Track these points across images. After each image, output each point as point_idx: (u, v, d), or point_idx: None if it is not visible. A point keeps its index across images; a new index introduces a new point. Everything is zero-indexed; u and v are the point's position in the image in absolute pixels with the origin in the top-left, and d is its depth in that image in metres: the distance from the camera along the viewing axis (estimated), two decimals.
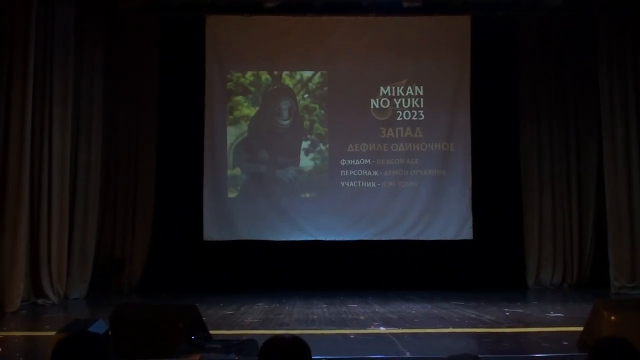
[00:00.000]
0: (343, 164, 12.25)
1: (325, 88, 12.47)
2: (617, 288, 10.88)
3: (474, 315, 8.06)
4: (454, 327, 7.04)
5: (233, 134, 12.32)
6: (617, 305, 5.19)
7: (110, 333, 4.30)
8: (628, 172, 11.44)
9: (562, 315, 8.13)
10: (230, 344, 3.67)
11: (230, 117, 12.36)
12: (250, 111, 12.42)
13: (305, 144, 12.39)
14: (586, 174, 12.42)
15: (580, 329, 5.03)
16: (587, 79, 12.22)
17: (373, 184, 12.22)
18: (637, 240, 11.20)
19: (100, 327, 4.22)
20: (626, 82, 11.61)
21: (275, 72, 12.50)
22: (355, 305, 9.30)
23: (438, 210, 12.17)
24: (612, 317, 4.71)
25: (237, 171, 12.28)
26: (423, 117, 12.36)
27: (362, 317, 7.95)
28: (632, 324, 4.69)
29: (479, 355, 2.15)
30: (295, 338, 2.12)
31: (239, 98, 12.43)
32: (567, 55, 12.38)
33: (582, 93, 12.38)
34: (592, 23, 12.06)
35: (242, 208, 12.10)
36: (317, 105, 12.48)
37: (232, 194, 12.20)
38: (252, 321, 7.64)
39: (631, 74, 11.56)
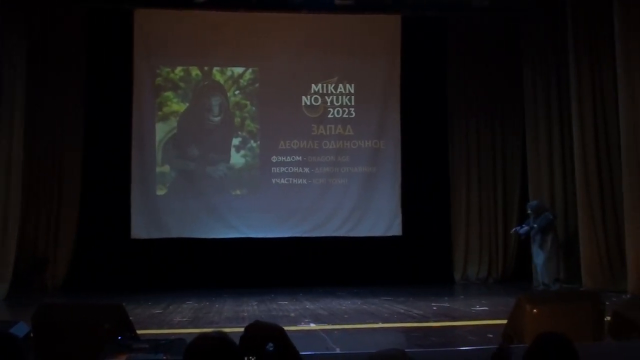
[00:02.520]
0: (274, 161, 12.22)
1: (257, 85, 12.42)
2: (539, 282, 11.20)
3: (402, 310, 8.16)
4: (383, 322, 7.12)
5: (162, 130, 12.13)
6: (539, 298, 5.34)
7: (32, 335, 4.17)
8: (550, 171, 11.83)
9: (487, 308, 8.32)
10: (158, 344, 3.61)
11: (160, 113, 12.17)
12: (180, 107, 12.25)
13: (236, 141, 12.31)
14: (511, 172, 12.77)
15: (505, 321, 5.16)
16: (513, 79, 12.55)
17: (304, 181, 12.24)
18: (558, 236, 11.56)
19: (21, 329, 4.08)
20: (548, 83, 11.99)
21: (206, 68, 12.37)
22: (286, 302, 9.30)
23: (368, 207, 12.29)
24: (535, 310, 4.84)
25: (166, 168, 12.10)
26: (354, 114, 12.45)
27: (292, 314, 7.96)
28: (554, 316, 4.84)
29: (407, 350, 2.17)
30: (221, 336, 2.10)
31: (169, 94, 12.25)
32: (494, 56, 12.68)
33: (508, 93, 12.71)
34: (516, 25, 12.40)
35: (171, 205, 11.94)
36: (248, 102, 12.41)
37: (160, 191, 12.02)
38: (181, 320, 7.55)
39: (553, 75, 11.94)
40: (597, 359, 3.86)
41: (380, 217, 12.31)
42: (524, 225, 11.15)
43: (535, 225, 10.67)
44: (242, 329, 2.27)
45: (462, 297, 10.07)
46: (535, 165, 11.96)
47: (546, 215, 10.75)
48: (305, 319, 7.47)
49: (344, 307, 8.64)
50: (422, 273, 12.01)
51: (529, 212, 10.97)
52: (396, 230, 12.28)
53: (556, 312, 4.93)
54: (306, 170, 12.24)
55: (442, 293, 10.31)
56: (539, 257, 10.72)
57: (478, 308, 8.39)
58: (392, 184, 12.36)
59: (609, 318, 5.09)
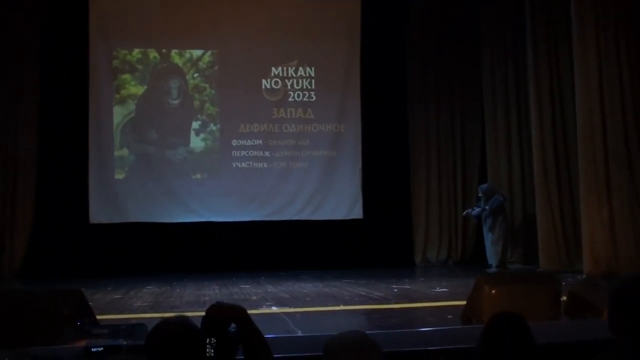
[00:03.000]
0: (234, 145, 12.17)
1: (216, 67, 12.32)
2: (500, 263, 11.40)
3: (364, 293, 8.23)
4: (344, 305, 7.17)
5: (120, 114, 11.97)
6: (497, 279, 5.43)
7: None
8: (509, 155, 12.00)
9: (447, 290, 8.44)
10: (118, 329, 3.59)
11: (117, 96, 12.00)
12: (138, 90, 12.10)
13: (195, 124, 12.21)
14: (471, 157, 12.93)
15: (464, 303, 5.24)
16: (473, 64, 12.66)
17: (265, 165, 12.21)
18: (516, 218, 11.78)
19: None
20: (507, 68, 12.12)
21: (164, 50, 12.22)
22: (248, 286, 9.31)
23: (329, 191, 12.32)
24: (493, 291, 4.93)
25: (125, 152, 11.96)
26: (314, 98, 12.44)
27: (254, 298, 7.97)
28: (511, 296, 4.94)
29: (368, 332, 2.20)
30: (183, 320, 2.10)
31: (126, 76, 12.08)
32: (454, 40, 12.76)
33: (468, 77, 12.83)
34: (476, 9, 12.49)
35: (131, 190, 11.82)
36: (207, 85, 12.31)
37: (119, 175, 11.89)
38: (142, 305, 7.51)
39: (511, 61, 12.07)
40: (553, 338, 3.95)
41: (341, 201, 12.36)
42: (475, 207, 11.34)
43: (486, 208, 10.86)
44: (204, 313, 2.27)
45: (422, 279, 10.20)
46: (494, 149, 12.12)
47: (497, 197, 10.94)
48: (267, 302, 7.49)
49: (305, 290, 8.68)
50: (383, 256, 12.11)
51: (480, 194, 11.15)
52: (357, 213, 12.35)
53: (514, 292, 5.03)
54: (267, 154, 12.21)
55: (403, 275, 10.41)
56: (487, 239, 10.94)
57: (438, 290, 8.51)
58: (353, 167, 12.41)
59: (564, 298, 5.21)
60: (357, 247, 12.19)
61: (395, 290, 8.52)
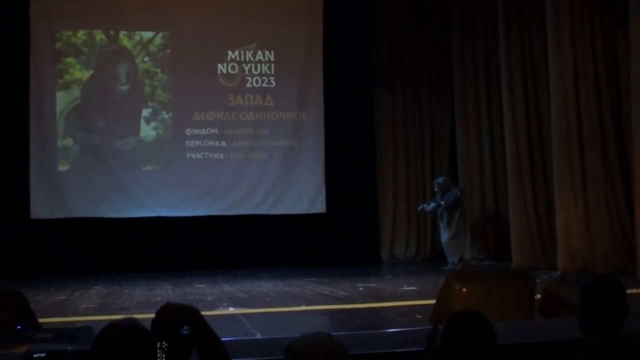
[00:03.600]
0: (188, 134, 12.08)
1: (168, 51, 12.20)
2: (468, 260, 11.52)
3: (327, 292, 8.25)
4: (307, 305, 7.18)
5: (64, 100, 11.80)
6: (468, 276, 5.49)
7: None
8: (480, 145, 12.12)
9: (415, 288, 8.50)
10: (62, 333, 3.54)
11: (60, 81, 11.82)
12: (83, 75, 11.93)
13: (145, 112, 12.09)
14: (440, 147, 13.01)
15: (433, 301, 5.28)
16: (442, 49, 12.74)
17: (221, 156, 12.16)
18: (487, 212, 11.92)
19: None
20: (477, 53, 12.22)
21: (112, 32, 12.06)
22: (203, 286, 9.27)
23: (290, 183, 12.31)
24: (464, 289, 4.98)
25: (69, 141, 11.79)
26: (274, 84, 12.40)
27: (209, 298, 7.94)
28: (483, 294, 4.99)
29: (333, 333, 2.20)
30: (132, 322, 2.07)
31: (70, 60, 11.90)
32: (422, 23, 12.83)
33: (437, 63, 12.90)
34: None
35: (75, 182, 11.66)
36: (158, 70, 12.19)
37: (63, 167, 11.72)
38: (88, 307, 7.44)
39: (482, 45, 12.18)
40: (526, 338, 4.00)
41: (303, 194, 12.36)
42: (431, 202, 11.39)
43: (442, 203, 10.94)
44: (154, 315, 2.24)
45: (389, 276, 10.26)
46: (464, 140, 12.22)
47: (453, 191, 11.01)
48: (223, 302, 7.47)
49: (264, 290, 8.67)
50: (347, 252, 12.14)
51: (435, 189, 11.19)
52: (320, 207, 12.37)
53: (485, 290, 5.09)
54: (223, 143, 12.15)
55: (369, 273, 10.47)
56: (444, 236, 11.01)
57: (406, 288, 8.56)
58: (315, 158, 12.42)
59: (539, 296, 5.28)
60: (319, 244, 12.20)
61: (361, 289, 8.55)
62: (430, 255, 12.68)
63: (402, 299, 7.55)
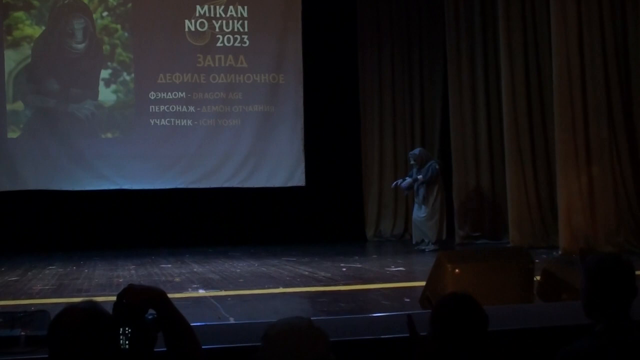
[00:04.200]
0: (152, 98, 12.01)
1: (129, 5, 12.09)
2: (461, 238, 11.60)
3: (307, 273, 8.28)
4: (284, 287, 7.21)
5: (13, 60, 11.68)
6: (460, 256, 5.52)
7: None
8: (474, 110, 12.08)
9: (403, 269, 8.54)
10: (14, 317, 3.53)
11: (9, 38, 11.69)
12: (35, 31, 11.80)
13: (105, 73, 12.00)
14: (430, 114, 13.02)
15: (423, 284, 5.31)
16: (434, 5, 12.70)
17: (189, 122, 12.11)
18: (483, 185, 11.94)
19: None
20: (472, 11, 12.15)
21: None
22: (170, 266, 9.27)
23: (266, 153, 12.29)
24: (456, 270, 5.01)
25: (19, 105, 11.70)
26: (247, 43, 12.33)
27: (177, 279, 7.95)
28: (477, 276, 5.03)
29: (313, 318, 2.21)
30: (92, 305, 2.07)
31: (20, 14, 11.76)
32: None
33: (428, 19, 12.88)
34: None
35: (27, 151, 11.59)
36: (119, 26, 12.08)
37: (13, 134, 11.63)
38: (43, 288, 7.42)
39: (478, 3, 12.10)
40: (525, 323, 4.05)
41: (280, 165, 12.35)
42: (406, 177, 11.14)
43: (419, 177, 10.70)
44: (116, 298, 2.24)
45: (375, 256, 10.30)
46: (458, 105, 12.16)
47: (432, 165, 10.77)
48: (192, 284, 7.47)
49: (238, 270, 8.69)
50: (329, 230, 12.18)
51: (411, 162, 10.94)
52: (299, 180, 12.37)
53: (480, 271, 5.12)
54: (191, 109, 12.10)
55: (353, 252, 10.51)
56: (420, 212, 10.78)
57: (393, 269, 8.60)
58: (294, 125, 12.39)
59: (538, 278, 5.33)
60: (298, 220, 12.23)
61: (344, 269, 8.59)
62: None
63: (389, 280, 7.58)
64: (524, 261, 5.26)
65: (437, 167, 10.78)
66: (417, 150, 11.09)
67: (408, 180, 10.86)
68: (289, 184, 12.36)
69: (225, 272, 8.52)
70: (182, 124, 12.10)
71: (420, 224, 10.74)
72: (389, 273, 8.27)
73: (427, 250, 10.40)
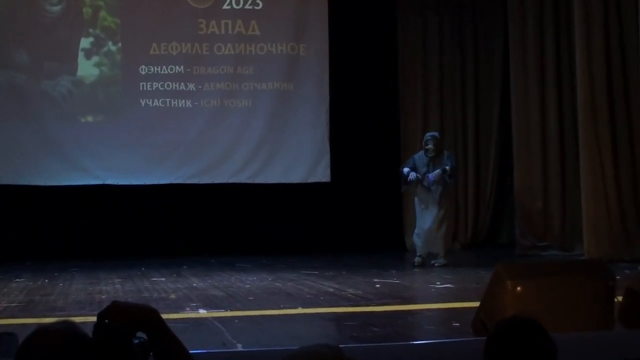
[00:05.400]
0: (143, 73, 12.07)
1: None
2: (524, 248, 11.55)
3: (332, 290, 8.28)
4: (304, 307, 7.20)
5: None
6: (524, 271, 5.48)
7: None
8: (541, 91, 11.98)
9: (452, 286, 8.51)
10: None
11: None
12: None
13: (85, 42, 12.07)
14: (487, 95, 13.04)
15: (476, 304, 5.29)
16: None
17: (188, 103, 12.15)
18: (551, 184, 11.86)
19: None
20: None
21: None
22: (163, 279, 9.32)
23: (282, 142, 12.31)
24: (518, 287, 4.98)
25: None
26: (261, 5, 12.36)
27: (172, 296, 7.98)
28: (544, 295, 4.99)
29: (340, 345, 2.20)
30: (68, 327, 2.07)
31: None
32: None
33: None
34: None
35: None
36: None
37: None
38: (9, 306, 7.47)
39: None
40: (603, 354, 4.01)
41: (300, 157, 12.37)
42: (404, 167, 10.68)
43: (447, 168, 10.44)
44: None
45: (416, 270, 10.28)
46: (521, 84, 12.09)
47: (450, 154, 10.60)
48: (191, 302, 7.50)
49: (247, 286, 8.71)
50: (359, 237, 12.19)
51: (429, 146, 10.56)
52: (323, 175, 12.38)
53: (547, 289, 5.09)
54: (191, 86, 12.14)
55: (389, 264, 10.51)
56: (428, 216, 10.46)
57: (439, 285, 8.58)
58: (317, 108, 12.40)
59: (620, 298, 5.28)
60: (322, 225, 12.24)
61: (378, 286, 8.58)
62: (472, 241, 12.72)
63: (434, 300, 7.58)
64: (602, 277, 5.22)
65: (454, 157, 10.84)
66: (437, 134, 10.87)
67: (437, 171, 10.53)
68: (311, 180, 12.37)
69: (231, 288, 8.54)
70: (180, 105, 12.16)
71: (430, 234, 10.42)
72: (434, 291, 8.26)
73: (437, 265, 10.32)
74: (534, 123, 11.97)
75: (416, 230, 10.70)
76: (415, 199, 10.70)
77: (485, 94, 13.00)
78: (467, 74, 12.97)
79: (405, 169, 10.56)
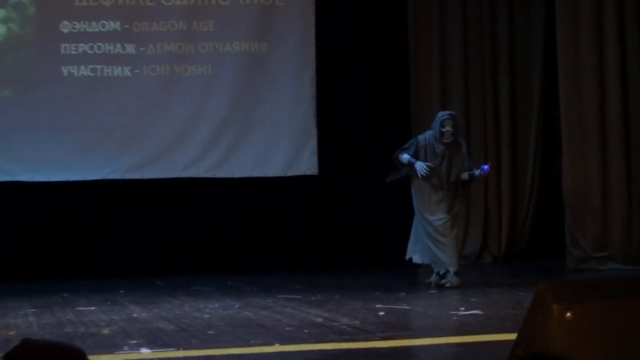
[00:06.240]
0: (66, 32, 12.07)
1: None
2: (577, 261, 11.59)
3: (320, 320, 8.29)
4: (282, 344, 7.21)
5: None
6: (576, 290, 5.47)
7: None
8: (598, 60, 12.01)
9: (480, 312, 8.52)
10: None
11: None
12: None
13: None
14: (524, 71, 13.14)
15: (513, 336, 5.28)
16: None
17: (126, 72, 12.18)
18: (611, 181, 11.89)
19: None
20: None
21: None
22: (93, 308, 9.31)
23: (252, 122, 12.33)
24: (568, 314, 4.97)
25: None
26: None
27: (106, 331, 7.96)
28: (601, 322, 4.99)
29: None
30: None
31: None
32: None
33: None
34: None
35: None
36: None
37: None
38: None
39: None
40: None
41: (277, 142, 12.41)
42: (404, 153, 10.62)
43: (486, 165, 10.39)
44: None
45: (433, 291, 10.29)
46: (571, 58, 12.11)
47: (464, 142, 10.61)
48: (131, 339, 7.49)
49: (206, 316, 8.71)
50: (357, 248, 12.20)
51: (448, 129, 10.27)
52: (307, 166, 12.42)
53: (608, 316, 5.09)
54: (130, 49, 12.16)
55: (396, 285, 10.53)
56: (443, 222, 10.38)
57: (463, 312, 8.60)
58: (299, 76, 12.46)
59: None
60: (306, 232, 12.25)
61: (382, 313, 8.59)
62: (507, 252, 12.76)
63: (458, 331, 7.59)
64: None
65: None
66: (455, 114, 10.73)
67: (486, 169, 10.46)
68: (292, 173, 12.42)
69: (184, 319, 8.53)
70: (116, 74, 12.20)
71: (446, 245, 10.33)
72: (457, 319, 8.28)
73: (448, 285, 10.27)
74: (588, 104, 11.98)
75: (427, 242, 10.55)
76: (418, 199, 10.54)
77: (523, 66, 13.02)
78: (498, 38, 13.01)
79: (405, 156, 10.35)
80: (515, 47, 13.10)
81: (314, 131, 12.40)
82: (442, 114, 10.60)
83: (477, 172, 10.40)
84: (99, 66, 12.15)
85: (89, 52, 12.11)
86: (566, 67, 12.00)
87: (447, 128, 10.28)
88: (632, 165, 11.73)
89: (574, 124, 11.90)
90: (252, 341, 7.35)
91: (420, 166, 10.18)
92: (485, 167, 10.44)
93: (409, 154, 10.31)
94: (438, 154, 10.28)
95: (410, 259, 10.72)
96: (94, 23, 12.10)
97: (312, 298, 9.63)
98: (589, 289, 5.88)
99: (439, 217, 10.32)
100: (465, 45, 12.94)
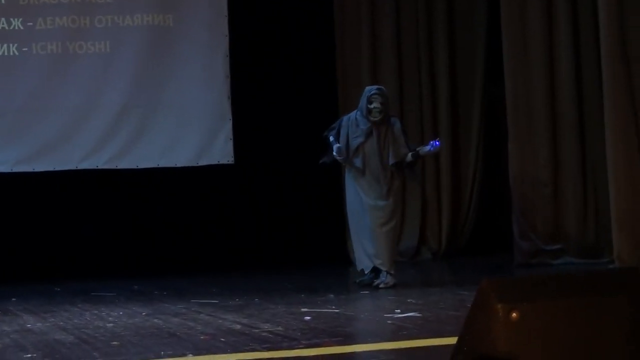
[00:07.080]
0: None
1: None
2: (526, 255, 11.73)
3: (238, 327, 8.33)
4: (196, 354, 7.24)
5: None
6: (523, 288, 5.57)
7: None
8: (547, 35, 12.12)
9: (418, 315, 8.60)
10: None
11: None
12: None
13: None
14: (467, 42, 13.40)
15: (454, 340, 5.35)
16: None
17: (13, 50, 12.15)
18: (563, 165, 12.01)
19: None
20: None
21: None
22: None
23: (157, 105, 12.34)
24: (514, 314, 5.06)
25: None
26: None
27: None
28: (551, 323, 5.09)
29: None
30: None
31: None
32: None
33: None
34: None
35: None
36: None
37: None
38: None
39: None
40: None
41: (186, 128, 12.42)
42: (330, 136, 10.63)
43: (437, 141, 10.42)
44: None
45: (365, 291, 10.37)
46: (516, 28, 12.21)
47: (397, 120, 10.56)
48: (25, 353, 7.49)
49: (109, 325, 8.71)
50: (280, 244, 12.25)
51: (376, 105, 10.24)
52: (221, 154, 12.47)
53: (559, 316, 5.19)
54: (16, 23, 12.13)
55: (325, 286, 10.64)
56: (379, 211, 10.49)
57: (399, 315, 8.68)
58: (211, 53, 12.53)
59: None
60: (222, 228, 12.28)
61: (308, 318, 8.65)
62: (448, 248, 12.90)
63: (392, 337, 7.66)
64: (638, 293, 5.34)
65: None
66: (384, 88, 10.72)
67: (437, 144, 10.40)
68: (204, 162, 12.46)
69: (85, 330, 8.53)
70: (0, 52, 12.13)
71: (381, 237, 10.36)
72: (392, 323, 8.35)
73: (382, 285, 10.33)
74: (538, 82, 12.09)
75: (355, 237, 10.69)
76: (350, 185, 10.59)
77: (464, 36, 13.14)
78: (437, 4, 13.12)
79: (331, 137, 10.42)
80: (455, 18, 13.18)
81: (228, 115, 12.45)
82: (369, 89, 10.62)
83: (425, 148, 10.42)
84: None
85: None
86: (511, 41, 12.10)
87: (375, 104, 10.31)
88: (586, 150, 11.85)
89: (520, 104, 12.01)
90: (162, 352, 7.37)
91: (336, 148, 10.17)
92: (436, 142, 10.39)
93: (332, 136, 10.33)
94: (362, 132, 10.29)
95: (362, 270, 10.51)
96: None
97: (230, 302, 9.68)
98: (536, 287, 5.99)
99: (369, 205, 10.32)
100: (398, 14, 13.01)
